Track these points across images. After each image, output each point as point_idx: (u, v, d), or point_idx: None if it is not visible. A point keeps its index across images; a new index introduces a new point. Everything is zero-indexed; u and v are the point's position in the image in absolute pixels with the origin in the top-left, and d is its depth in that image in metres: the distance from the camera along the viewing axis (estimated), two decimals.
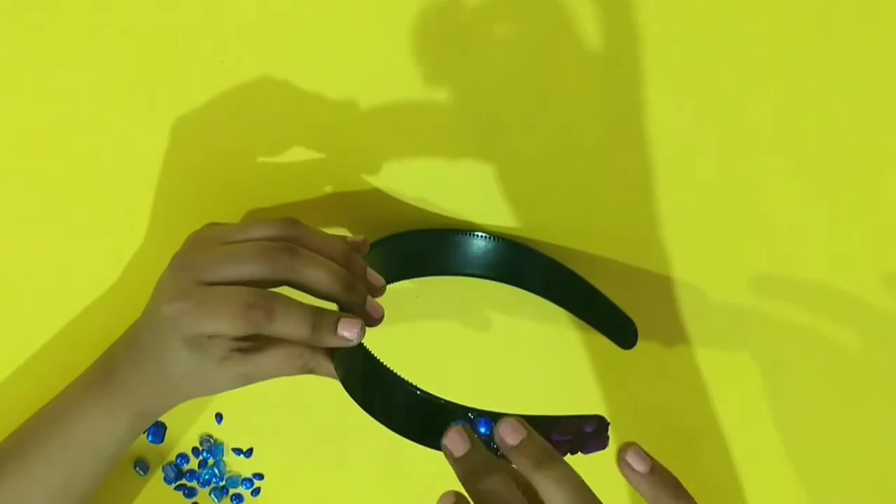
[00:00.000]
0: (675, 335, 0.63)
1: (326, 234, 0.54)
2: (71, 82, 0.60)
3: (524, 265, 0.61)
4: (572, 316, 0.61)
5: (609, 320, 0.60)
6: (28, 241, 0.62)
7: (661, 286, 0.62)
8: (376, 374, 0.50)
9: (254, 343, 0.53)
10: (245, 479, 0.64)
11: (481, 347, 0.63)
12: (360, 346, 0.51)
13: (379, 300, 0.56)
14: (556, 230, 0.62)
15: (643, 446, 0.49)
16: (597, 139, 0.60)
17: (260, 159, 0.61)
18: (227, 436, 0.64)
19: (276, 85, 0.60)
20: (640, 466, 0.48)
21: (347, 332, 0.50)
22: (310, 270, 0.51)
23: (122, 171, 0.61)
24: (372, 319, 0.53)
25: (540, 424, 0.47)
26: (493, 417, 0.46)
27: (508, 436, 0.46)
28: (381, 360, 0.50)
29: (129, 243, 0.62)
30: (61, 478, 0.56)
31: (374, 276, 0.55)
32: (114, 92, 0.60)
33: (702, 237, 0.62)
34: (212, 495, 0.64)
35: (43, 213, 0.61)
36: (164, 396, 0.55)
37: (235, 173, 0.61)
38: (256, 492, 0.64)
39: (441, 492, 0.63)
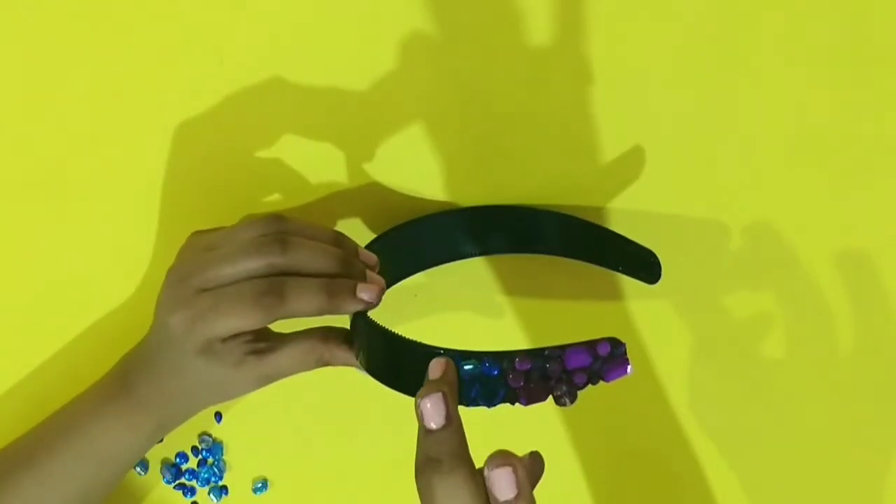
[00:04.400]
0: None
1: (313, 223, 0.55)
2: (71, 84, 0.61)
3: (532, 227, 0.61)
4: (591, 267, 0.61)
5: (630, 258, 0.60)
6: (29, 244, 0.62)
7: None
8: (398, 346, 0.50)
9: (268, 344, 0.54)
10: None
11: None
12: (377, 327, 0.51)
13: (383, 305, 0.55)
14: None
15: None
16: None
17: (263, 160, 0.62)
18: (227, 435, 0.64)
19: (275, 85, 0.61)
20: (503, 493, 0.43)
21: (367, 294, 0.51)
22: (303, 256, 0.51)
23: (124, 174, 0.62)
24: (367, 304, 0.52)
25: (551, 353, 0.47)
26: (506, 356, 0.47)
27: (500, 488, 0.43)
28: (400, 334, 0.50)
29: (132, 245, 0.62)
30: (76, 487, 0.55)
31: (367, 255, 0.55)
32: (113, 93, 0.61)
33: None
34: (211, 495, 0.64)
35: (43, 215, 0.62)
36: (184, 407, 0.56)
37: (238, 174, 0.62)
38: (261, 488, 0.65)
39: None
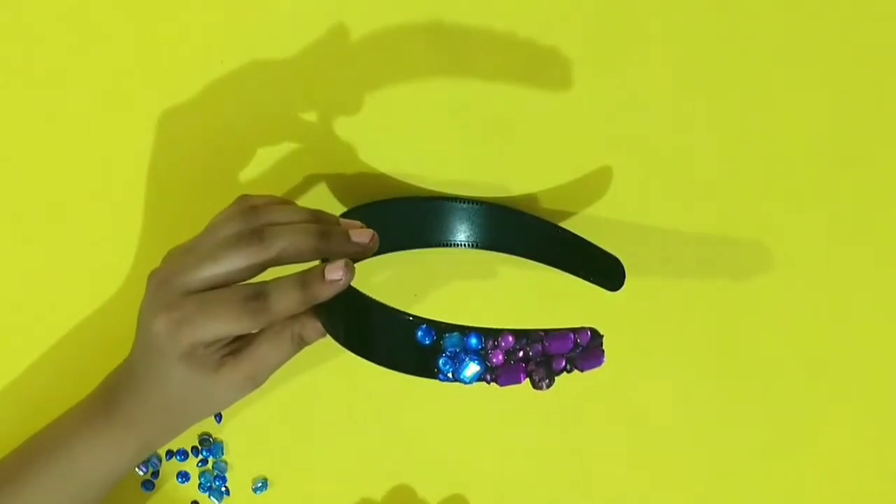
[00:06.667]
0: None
1: (286, 203, 0.55)
2: (70, 83, 0.62)
3: (501, 226, 0.61)
4: (554, 271, 0.61)
5: (595, 265, 0.60)
6: (20, 243, 0.63)
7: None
8: (359, 308, 0.50)
9: (242, 342, 0.53)
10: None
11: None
12: (356, 294, 0.51)
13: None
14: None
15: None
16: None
17: (253, 156, 0.62)
18: (227, 435, 0.64)
19: (267, 75, 0.62)
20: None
21: (334, 274, 0.50)
22: (283, 242, 0.51)
23: (121, 172, 0.62)
24: (365, 248, 0.53)
25: (534, 337, 0.47)
26: (488, 333, 0.47)
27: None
28: (365, 293, 0.50)
29: (126, 242, 0.63)
30: None
31: (348, 221, 0.55)
32: (114, 92, 0.62)
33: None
34: (210, 495, 0.64)
35: (36, 213, 0.63)
36: (169, 425, 0.55)
37: (229, 164, 0.62)
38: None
39: (445, 488, 0.64)
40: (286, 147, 0.62)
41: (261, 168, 0.62)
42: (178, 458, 0.64)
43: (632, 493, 0.65)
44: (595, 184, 0.63)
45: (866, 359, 0.65)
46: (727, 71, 0.62)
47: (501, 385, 0.48)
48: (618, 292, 0.60)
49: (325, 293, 0.51)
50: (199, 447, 0.64)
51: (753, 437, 0.65)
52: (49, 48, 0.62)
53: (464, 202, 0.62)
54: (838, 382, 0.65)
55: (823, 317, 0.64)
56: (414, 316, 0.48)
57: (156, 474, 0.64)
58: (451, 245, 0.62)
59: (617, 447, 0.65)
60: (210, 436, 0.64)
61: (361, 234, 0.53)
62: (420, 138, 0.62)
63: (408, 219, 0.61)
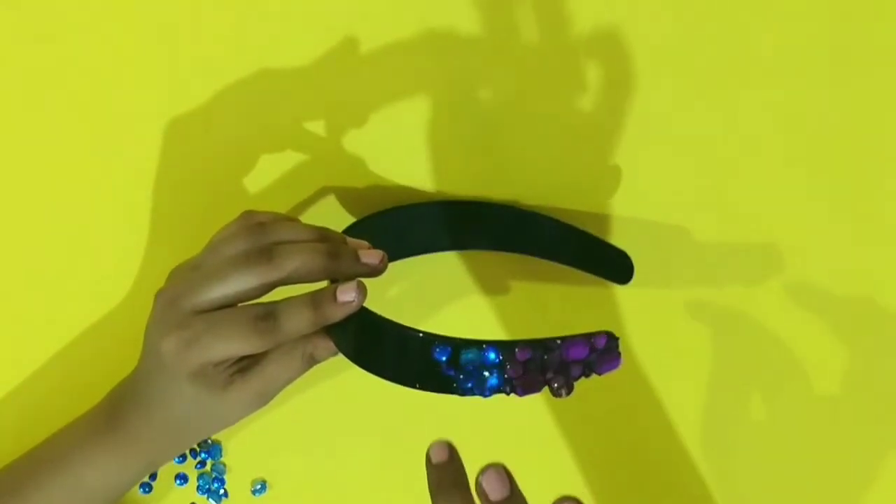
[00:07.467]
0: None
1: (292, 221, 0.54)
2: (71, 84, 0.61)
3: (510, 227, 0.61)
4: (564, 271, 0.62)
5: (603, 259, 0.60)
6: (25, 252, 0.62)
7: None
8: (372, 327, 0.50)
9: (251, 359, 0.53)
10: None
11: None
12: (370, 314, 0.51)
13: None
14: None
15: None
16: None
17: (256, 159, 0.62)
18: (226, 436, 0.64)
19: (274, 85, 0.61)
20: (497, 493, 0.46)
21: (346, 296, 0.50)
22: (291, 262, 0.50)
23: (126, 182, 0.62)
24: (374, 269, 0.52)
25: (551, 344, 0.47)
26: (505, 346, 0.47)
27: (493, 489, 0.46)
28: (377, 312, 0.50)
29: (131, 252, 0.62)
30: None
31: (356, 241, 0.54)
32: (121, 102, 0.61)
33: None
34: (209, 497, 0.64)
35: (40, 223, 0.62)
36: (175, 442, 0.55)
37: (235, 174, 0.62)
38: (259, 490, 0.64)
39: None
40: (293, 157, 0.62)
41: (268, 179, 0.62)
42: (176, 460, 0.64)
43: (634, 496, 0.65)
44: (602, 186, 0.63)
45: (875, 363, 0.65)
46: (741, 71, 0.62)
47: (521, 396, 0.48)
48: (627, 286, 0.60)
49: (337, 315, 0.50)
50: (198, 449, 0.64)
51: (760, 439, 0.65)
52: (52, 55, 0.61)
53: (472, 205, 0.62)
54: (848, 385, 0.65)
55: (835, 318, 0.64)
56: (429, 334, 0.48)
57: (154, 476, 0.64)
58: (461, 248, 0.62)
59: (621, 449, 0.65)
60: (208, 438, 0.64)
61: (371, 255, 0.52)
62: (428, 144, 0.62)
63: (418, 224, 0.61)
